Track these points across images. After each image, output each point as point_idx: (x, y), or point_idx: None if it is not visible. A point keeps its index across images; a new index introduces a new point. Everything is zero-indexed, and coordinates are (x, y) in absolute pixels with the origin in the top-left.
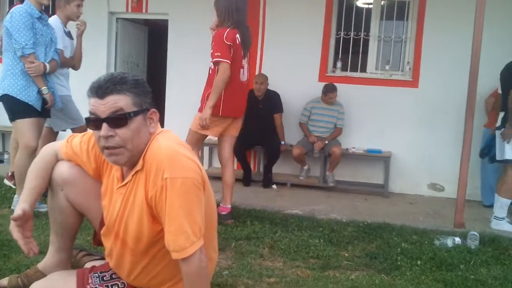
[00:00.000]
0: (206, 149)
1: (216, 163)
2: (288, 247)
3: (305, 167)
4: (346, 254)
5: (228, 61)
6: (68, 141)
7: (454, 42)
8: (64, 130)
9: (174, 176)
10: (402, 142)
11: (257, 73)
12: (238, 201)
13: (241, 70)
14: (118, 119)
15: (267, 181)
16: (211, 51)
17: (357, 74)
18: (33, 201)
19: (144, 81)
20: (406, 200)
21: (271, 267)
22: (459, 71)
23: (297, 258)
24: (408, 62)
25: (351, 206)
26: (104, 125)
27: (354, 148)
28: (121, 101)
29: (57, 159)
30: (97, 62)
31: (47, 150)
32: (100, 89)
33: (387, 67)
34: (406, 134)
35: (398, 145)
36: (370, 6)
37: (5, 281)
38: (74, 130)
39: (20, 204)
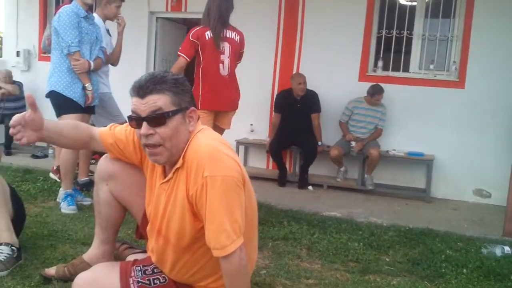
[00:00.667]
0: (241, 148)
1: (252, 162)
2: (326, 249)
3: (342, 169)
4: (387, 259)
5: (183, 55)
6: (111, 129)
7: (504, 41)
8: (105, 127)
9: (215, 174)
10: (446, 145)
11: (294, 71)
12: (273, 201)
13: (220, 64)
14: (157, 118)
15: (303, 182)
16: None
17: (399, 74)
18: (48, 124)
19: (185, 79)
20: (449, 206)
21: (309, 268)
22: (509, 72)
23: (335, 260)
24: (454, 62)
25: (391, 210)
26: (144, 124)
27: (394, 150)
28: (160, 101)
29: (89, 135)
30: (137, 61)
31: (83, 124)
32: (140, 89)
33: (431, 66)
34: (451, 137)
35: (442, 148)
36: (414, 3)
37: (52, 270)
38: None
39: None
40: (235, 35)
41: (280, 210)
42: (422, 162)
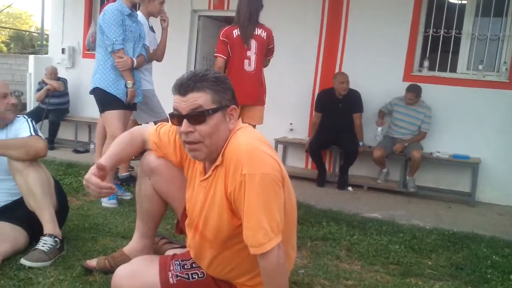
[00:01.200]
0: (280, 147)
1: (290, 162)
2: (366, 251)
3: (384, 170)
4: (429, 263)
5: (219, 55)
6: (157, 130)
7: None
8: (147, 123)
9: (253, 172)
10: (493, 148)
11: (337, 70)
12: (313, 201)
13: (246, 60)
14: (197, 116)
15: (343, 182)
16: None
17: (446, 74)
18: (112, 165)
19: (226, 78)
20: (495, 210)
21: (348, 269)
22: None
23: (376, 262)
24: (505, 62)
25: (434, 213)
26: (185, 121)
27: (438, 152)
28: (200, 99)
29: (142, 141)
30: (178, 59)
31: (135, 130)
32: (182, 87)
33: (480, 67)
34: (498, 140)
35: (489, 151)
36: (464, 1)
37: (93, 262)
38: (156, 123)
39: (101, 161)
40: (262, 31)
41: (319, 210)
42: (467, 165)
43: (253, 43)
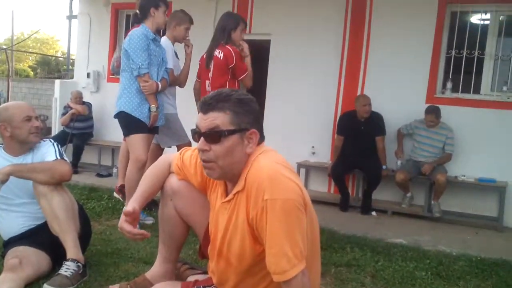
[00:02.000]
0: (302, 171)
1: (313, 186)
2: (392, 278)
3: (408, 194)
4: None
5: (197, 78)
6: (181, 154)
7: None
8: (170, 147)
9: (274, 198)
10: None
11: (359, 92)
12: (336, 226)
13: (207, 81)
14: (213, 136)
15: (366, 207)
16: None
17: (470, 96)
18: (142, 203)
19: (251, 100)
20: None
21: None
22: None
23: None
24: None
25: (460, 239)
26: (202, 139)
27: (464, 176)
28: (218, 119)
29: (169, 170)
30: None
31: (162, 160)
32: (204, 105)
33: (504, 88)
34: None
35: None
36: (487, 22)
37: (116, 287)
38: (179, 147)
39: (131, 203)
40: (220, 52)
41: (342, 236)
42: (494, 189)
43: (212, 64)
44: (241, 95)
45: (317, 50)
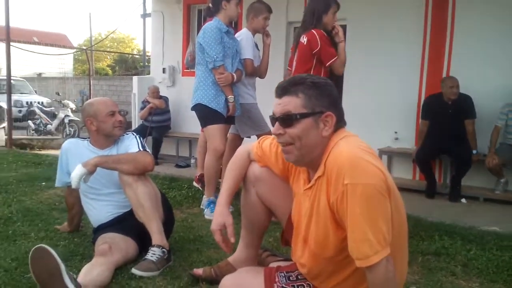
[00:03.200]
0: (384, 157)
1: (396, 173)
2: (485, 267)
3: (502, 180)
4: None
5: (288, 67)
6: (260, 143)
7: None
8: (249, 137)
9: (355, 182)
10: None
11: (444, 75)
12: (422, 214)
13: (291, 69)
14: (286, 120)
15: (455, 194)
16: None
17: None
18: (229, 202)
19: (326, 83)
20: None
21: (465, 287)
22: None
23: (497, 279)
24: None
25: None
26: (276, 124)
27: None
28: (291, 103)
29: (249, 159)
30: (274, 70)
31: (241, 151)
32: (278, 89)
33: None
34: None
35: None
36: None
37: (200, 270)
38: (258, 136)
39: (218, 209)
40: (304, 37)
41: (429, 223)
42: None
43: (297, 51)
44: (315, 79)
45: (396, 32)
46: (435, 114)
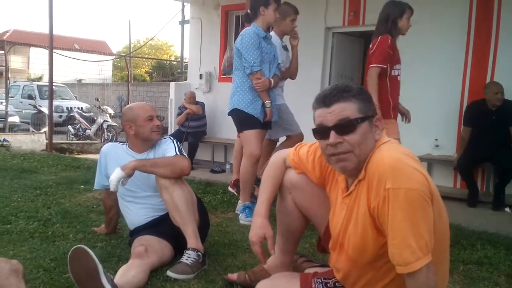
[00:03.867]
0: (424, 165)
1: (436, 180)
2: None
3: None
4: None
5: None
6: (296, 149)
7: None
8: (277, 140)
9: (397, 187)
10: None
11: (488, 80)
12: (464, 222)
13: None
14: (345, 126)
15: (499, 202)
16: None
17: None
18: (268, 211)
19: (365, 89)
20: None
21: None
22: None
23: None
24: None
25: None
26: (332, 133)
27: None
28: (347, 109)
29: (285, 166)
30: (311, 77)
31: (276, 158)
32: (326, 98)
33: None
34: None
35: None
36: None
37: (234, 276)
38: (289, 137)
39: (258, 220)
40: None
41: (471, 232)
42: None
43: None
44: (357, 86)
45: (438, 36)
46: (478, 121)
